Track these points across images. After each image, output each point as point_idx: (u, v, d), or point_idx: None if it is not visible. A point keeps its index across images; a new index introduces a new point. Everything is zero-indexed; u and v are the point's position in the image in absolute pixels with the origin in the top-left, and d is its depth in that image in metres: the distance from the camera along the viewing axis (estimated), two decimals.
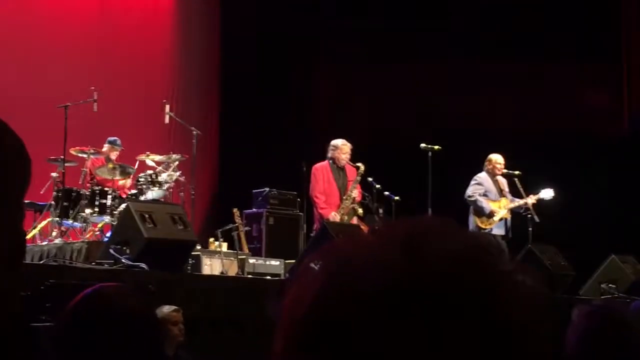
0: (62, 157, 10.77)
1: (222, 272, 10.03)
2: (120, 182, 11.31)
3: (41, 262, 9.18)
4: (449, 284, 0.93)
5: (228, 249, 10.75)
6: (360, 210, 10.79)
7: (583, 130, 14.29)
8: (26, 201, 9.81)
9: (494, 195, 11.20)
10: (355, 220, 10.76)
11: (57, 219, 10.48)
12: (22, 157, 1.46)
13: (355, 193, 10.87)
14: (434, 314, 0.91)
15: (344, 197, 10.79)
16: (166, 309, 6.67)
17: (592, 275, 11.21)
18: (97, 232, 10.62)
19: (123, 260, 8.13)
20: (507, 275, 0.97)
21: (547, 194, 11.26)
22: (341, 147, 10.94)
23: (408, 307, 0.91)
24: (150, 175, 10.92)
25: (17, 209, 1.46)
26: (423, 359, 0.91)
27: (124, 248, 8.30)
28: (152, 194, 10.74)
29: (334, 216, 10.59)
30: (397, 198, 10.80)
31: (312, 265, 0.98)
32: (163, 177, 10.95)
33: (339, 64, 15.16)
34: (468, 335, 0.91)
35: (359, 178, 10.88)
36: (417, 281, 0.92)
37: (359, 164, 10.88)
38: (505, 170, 11.29)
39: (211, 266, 10.16)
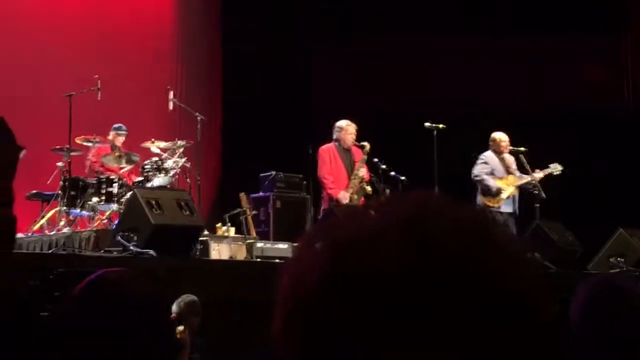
0: (67, 146, 10.78)
1: (230, 257, 10.04)
2: (122, 170, 11.32)
3: (50, 251, 9.21)
4: (454, 265, 0.92)
5: (236, 234, 10.75)
6: (369, 188, 10.80)
7: (586, 104, 14.23)
8: (33, 191, 9.88)
9: (500, 174, 11.17)
10: (363, 200, 10.77)
11: (65, 208, 10.50)
12: (9, 143, 1.44)
13: (363, 172, 10.88)
14: (442, 297, 0.91)
15: (352, 177, 10.81)
16: (185, 305, 6.74)
17: (600, 249, 11.20)
18: (105, 220, 10.62)
19: (131, 248, 8.15)
20: (511, 251, 0.96)
21: (555, 168, 11.25)
22: (346, 127, 10.95)
23: (412, 291, 0.91)
24: (156, 162, 10.92)
25: (5, 194, 1.44)
26: (430, 343, 0.90)
27: (132, 235, 8.32)
28: (158, 180, 10.74)
29: (344, 195, 10.62)
30: (403, 178, 10.79)
31: (314, 244, 0.97)
32: (169, 163, 10.95)
33: (342, 45, 15.10)
34: (477, 316, 0.91)
35: (365, 157, 10.89)
36: (422, 265, 0.92)
37: (364, 143, 10.89)
38: (510, 147, 11.26)
39: (219, 251, 10.17)
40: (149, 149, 11.24)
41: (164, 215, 8.56)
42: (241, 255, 10.21)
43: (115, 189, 10.58)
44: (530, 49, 14.63)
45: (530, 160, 11.24)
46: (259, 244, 10.52)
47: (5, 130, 1.47)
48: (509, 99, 14.25)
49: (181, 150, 11.19)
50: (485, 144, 11.38)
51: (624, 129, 13.92)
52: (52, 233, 10.33)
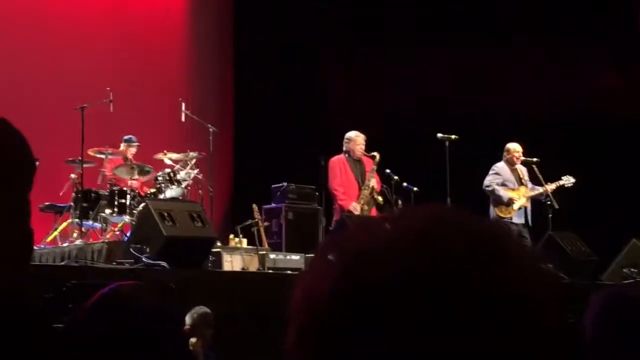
0: (80, 158, 10.81)
1: (242, 268, 10.05)
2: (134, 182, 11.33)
3: (62, 263, 9.23)
4: (463, 275, 0.92)
5: (248, 245, 10.76)
6: (380, 199, 10.80)
7: (599, 111, 14.14)
8: (46, 203, 9.90)
9: (512, 185, 11.16)
10: (374, 211, 10.77)
11: (77, 220, 10.52)
12: (26, 156, 1.45)
13: (374, 182, 10.88)
14: (449, 306, 0.91)
15: (363, 187, 10.81)
16: (199, 317, 6.74)
17: (613, 260, 11.16)
18: (117, 232, 10.65)
19: (143, 259, 8.17)
20: (524, 263, 0.96)
21: (568, 180, 11.24)
22: (355, 138, 10.96)
23: (421, 300, 0.91)
24: (169, 173, 10.94)
25: (22, 207, 1.45)
26: (438, 350, 0.90)
27: (144, 247, 8.33)
28: (171, 192, 10.76)
29: (355, 206, 10.62)
30: (415, 189, 10.79)
31: (327, 256, 0.97)
32: (181, 175, 10.97)
33: (352, 56, 15.09)
34: (486, 325, 0.91)
35: (375, 167, 10.90)
36: (431, 273, 0.92)
37: (375, 153, 10.90)
38: (523, 158, 11.24)
39: (232, 262, 10.17)
40: (161, 160, 11.27)
41: (177, 227, 8.58)
42: (253, 266, 10.22)
43: (127, 200, 10.60)
44: (541, 58, 14.56)
45: (543, 170, 11.20)
46: (272, 255, 10.54)
47: (22, 143, 1.48)
48: (522, 109, 14.16)
49: (193, 161, 11.22)
50: (497, 154, 11.36)
51: (637, 135, 13.81)
52: (64, 245, 10.35)
